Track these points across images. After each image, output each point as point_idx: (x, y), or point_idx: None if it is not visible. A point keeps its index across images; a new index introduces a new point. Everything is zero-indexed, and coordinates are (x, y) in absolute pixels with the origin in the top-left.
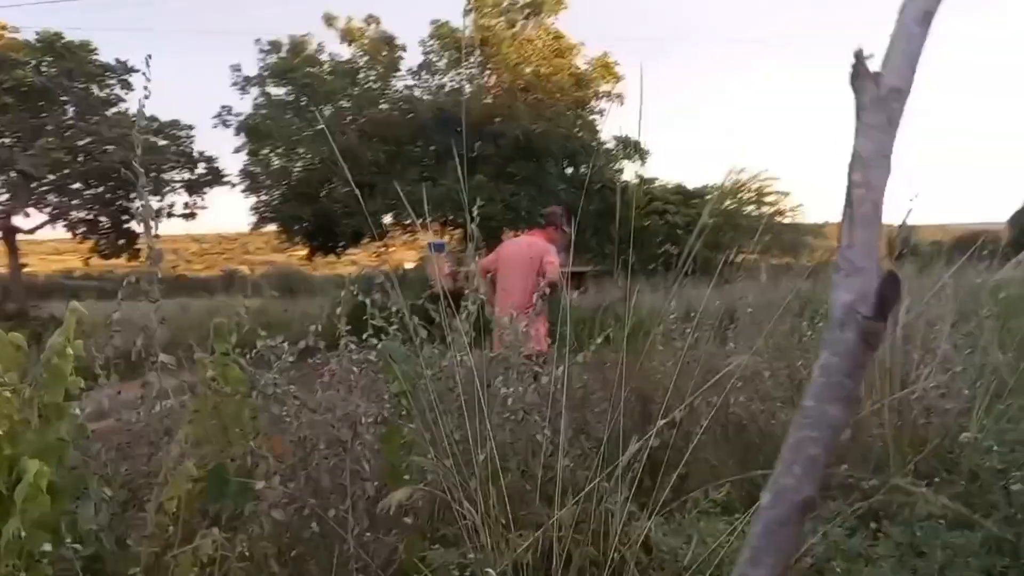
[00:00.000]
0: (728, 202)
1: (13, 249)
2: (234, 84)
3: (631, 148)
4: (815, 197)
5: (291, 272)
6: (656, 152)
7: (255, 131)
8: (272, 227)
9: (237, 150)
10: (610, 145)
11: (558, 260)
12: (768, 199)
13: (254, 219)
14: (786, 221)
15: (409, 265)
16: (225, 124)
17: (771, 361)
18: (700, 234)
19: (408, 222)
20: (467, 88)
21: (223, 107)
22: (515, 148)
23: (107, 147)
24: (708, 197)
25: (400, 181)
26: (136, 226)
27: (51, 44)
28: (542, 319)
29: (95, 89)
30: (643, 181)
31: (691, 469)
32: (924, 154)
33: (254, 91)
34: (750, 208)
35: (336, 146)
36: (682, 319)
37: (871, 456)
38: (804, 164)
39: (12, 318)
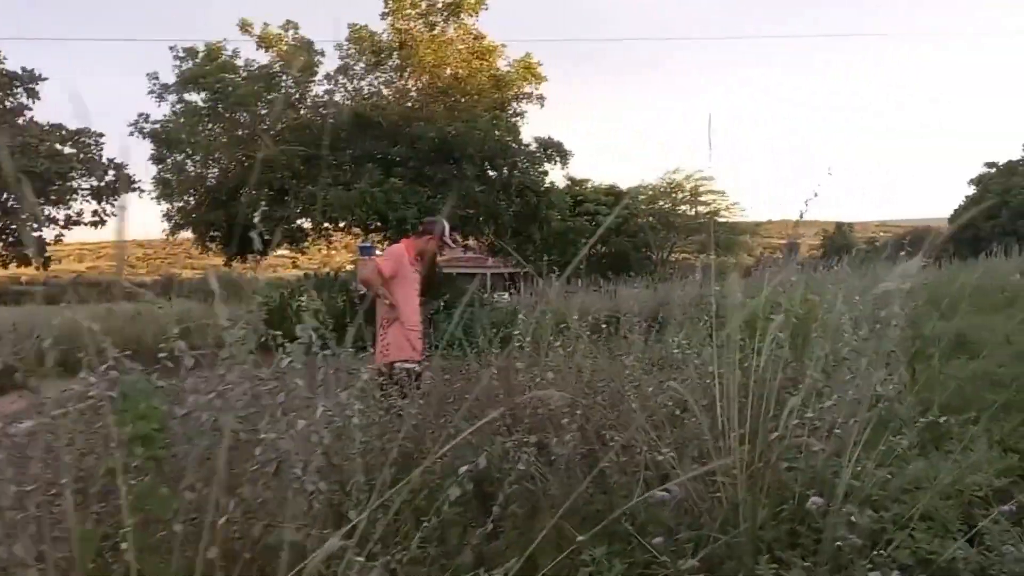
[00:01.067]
0: (661, 202)
1: None
2: (151, 92)
3: (552, 150)
4: (751, 196)
5: (236, 276)
6: (586, 154)
7: (161, 138)
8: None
9: (152, 157)
10: (532, 147)
11: (387, 262)
12: (703, 199)
13: (167, 226)
14: (722, 220)
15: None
16: (142, 132)
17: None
18: (632, 235)
19: (325, 226)
20: (384, 92)
21: (140, 115)
22: (432, 151)
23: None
24: (641, 198)
25: (315, 186)
26: (46, 233)
27: None
28: (397, 326)
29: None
30: (574, 183)
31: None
32: (877, 153)
33: (172, 98)
34: (684, 208)
35: (252, 152)
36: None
37: (717, 513)
38: (740, 164)
39: None
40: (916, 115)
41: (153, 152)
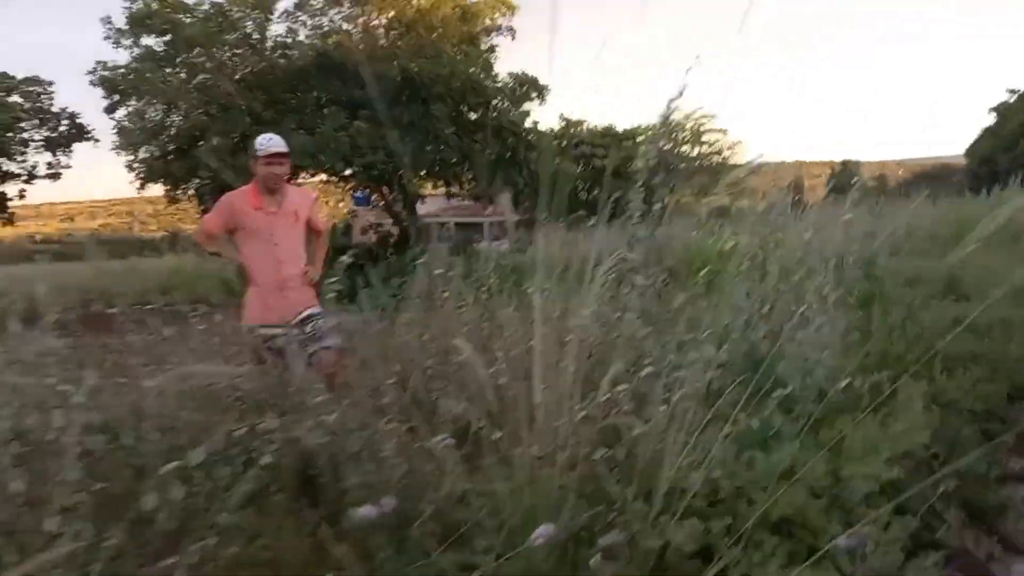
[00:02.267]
0: (662, 143)
1: None
2: (107, 38)
3: (528, 86)
4: (754, 134)
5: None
6: (576, 92)
7: (116, 86)
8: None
9: (109, 107)
10: (508, 84)
11: (211, 216)
12: (705, 138)
13: (135, 181)
14: (725, 160)
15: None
16: (101, 80)
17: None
18: (630, 178)
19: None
20: (346, 28)
21: (98, 62)
22: (399, 91)
23: None
24: (641, 139)
25: (275, 131)
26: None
27: None
28: (251, 287)
29: None
30: (569, 124)
31: None
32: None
33: (128, 43)
34: (685, 148)
35: (212, 98)
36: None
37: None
38: (743, 100)
39: None
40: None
41: (107, 100)
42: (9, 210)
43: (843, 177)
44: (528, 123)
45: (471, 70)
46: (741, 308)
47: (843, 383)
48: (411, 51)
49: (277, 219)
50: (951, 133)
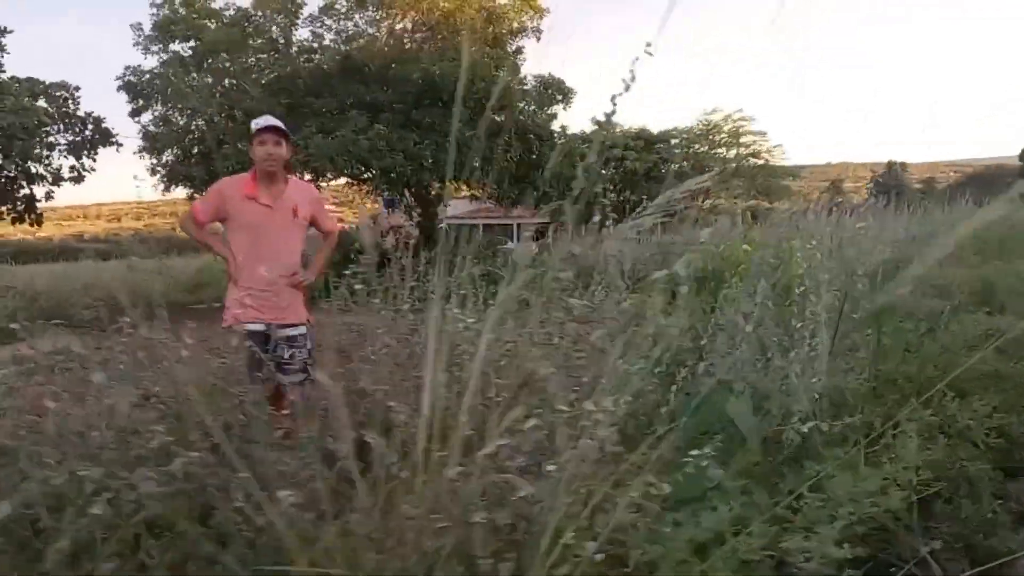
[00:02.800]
0: (697, 145)
1: None
2: (136, 44)
3: (553, 89)
4: (793, 138)
5: None
6: (604, 96)
7: (138, 90)
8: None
9: (133, 112)
10: (533, 87)
11: (201, 202)
12: (743, 140)
13: (158, 184)
14: (762, 163)
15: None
16: (126, 86)
17: None
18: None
19: (309, 178)
20: (370, 31)
21: (127, 67)
22: (420, 94)
23: None
24: (674, 141)
25: (297, 135)
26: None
27: None
28: (232, 284)
29: None
30: (601, 127)
31: None
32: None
33: (157, 49)
34: (721, 150)
35: (235, 102)
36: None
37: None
38: (780, 104)
39: None
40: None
41: (131, 105)
42: (38, 211)
43: (888, 179)
44: (556, 126)
45: (493, 72)
46: (722, 327)
47: (807, 425)
48: (433, 54)
49: (272, 213)
50: (1009, 133)
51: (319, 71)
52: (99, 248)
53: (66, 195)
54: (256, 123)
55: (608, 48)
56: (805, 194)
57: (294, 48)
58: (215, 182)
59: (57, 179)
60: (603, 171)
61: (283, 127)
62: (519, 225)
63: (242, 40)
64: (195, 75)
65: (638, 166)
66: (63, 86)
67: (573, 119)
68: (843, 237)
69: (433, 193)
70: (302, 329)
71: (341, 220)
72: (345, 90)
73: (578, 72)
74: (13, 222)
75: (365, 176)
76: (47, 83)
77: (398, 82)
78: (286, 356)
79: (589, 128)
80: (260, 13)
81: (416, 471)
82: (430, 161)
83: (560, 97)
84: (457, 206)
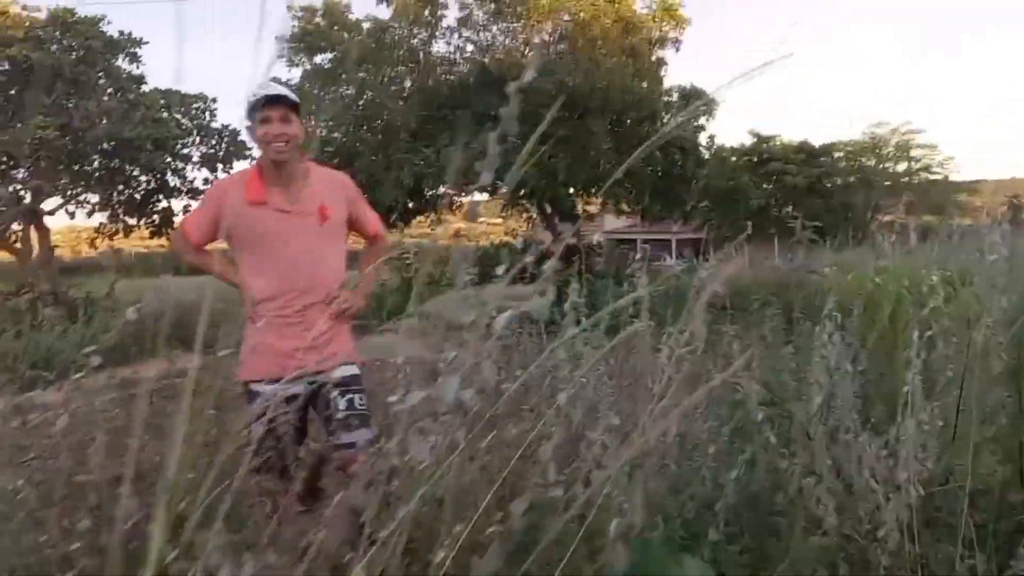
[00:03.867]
0: (865, 159)
1: (45, 230)
2: (280, 56)
3: (695, 99)
4: (967, 151)
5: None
6: (762, 108)
7: None
8: None
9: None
10: (675, 98)
11: (194, 213)
12: (913, 154)
13: None
14: (933, 178)
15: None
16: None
17: None
18: (826, 195)
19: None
20: (505, 42)
21: (272, 79)
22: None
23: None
24: (838, 155)
25: (430, 147)
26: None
27: (62, 20)
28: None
29: (119, 61)
30: (761, 139)
31: None
32: None
33: (300, 59)
34: (888, 164)
35: (373, 114)
36: None
37: None
38: (952, 116)
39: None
40: None
41: None
42: (175, 225)
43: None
44: (704, 138)
45: (631, 82)
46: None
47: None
48: (567, 64)
49: (293, 220)
50: None
51: (456, 83)
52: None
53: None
54: (254, 93)
55: (751, 57)
56: (985, 210)
57: (434, 60)
58: None
59: (194, 192)
60: (764, 185)
61: (292, 96)
62: (678, 240)
63: (379, 52)
64: (334, 87)
65: (799, 181)
66: (201, 98)
67: (716, 131)
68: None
69: (575, 208)
70: (354, 369)
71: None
72: (481, 102)
73: (718, 81)
74: (151, 235)
75: (502, 189)
76: (184, 95)
77: (532, 93)
78: (341, 405)
79: (736, 140)
80: (398, 25)
81: None
82: (563, 175)
83: (704, 108)
84: (608, 221)
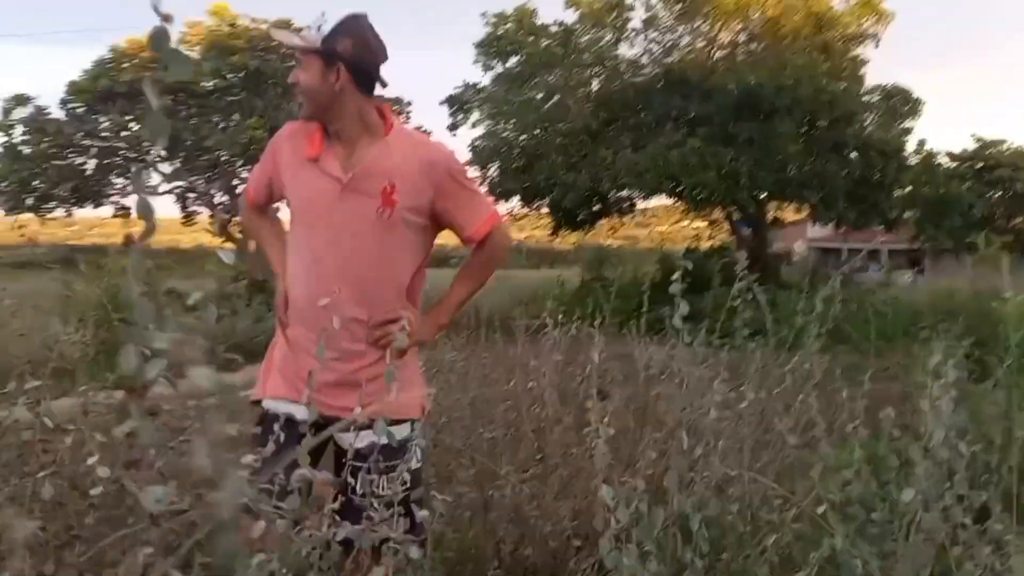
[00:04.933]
0: None
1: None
2: (475, 61)
3: (897, 99)
4: None
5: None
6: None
7: (460, 103)
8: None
9: (451, 126)
10: (875, 98)
11: (257, 166)
12: None
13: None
14: None
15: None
16: (449, 100)
17: None
18: None
19: (619, 195)
20: (689, 42)
21: (467, 84)
22: (739, 106)
23: None
24: None
25: (607, 150)
26: None
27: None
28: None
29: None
30: (984, 145)
31: None
32: None
33: (494, 64)
34: None
35: (557, 117)
36: None
37: None
38: None
39: None
40: None
41: (459, 117)
42: None
43: None
44: (912, 141)
45: (824, 82)
46: None
47: None
48: (752, 62)
49: (346, 197)
50: None
51: (640, 84)
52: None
53: None
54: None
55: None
56: None
57: (621, 63)
58: (532, 197)
59: None
60: (988, 194)
61: (298, 40)
62: (889, 251)
63: (565, 55)
64: (523, 91)
65: None
66: (396, 101)
67: (927, 134)
68: None
69: (762, 214)
70: (402, 429)
71: (697, 239)
72: (664, 103)
73: (927, 80)
74: None
75: (680, 192)
76: (382, 98)
77: (716, 94)
78: (356, 486)
79: (954, 145)
80: (584, 27)
81: None
82: (746, 179)
83: (907, 109)
84: (811, 229)
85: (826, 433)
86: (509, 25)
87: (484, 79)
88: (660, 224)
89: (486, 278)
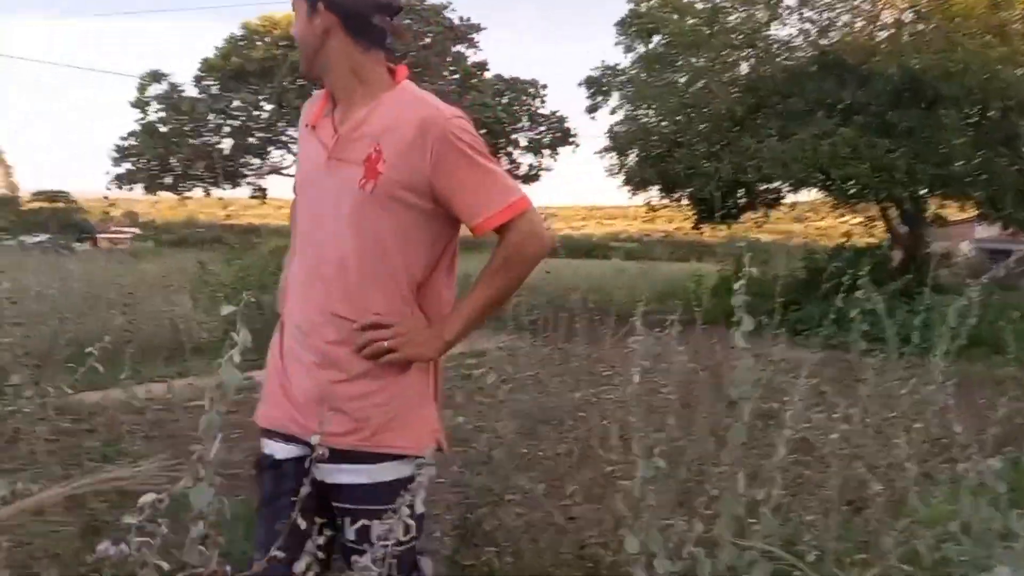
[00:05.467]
0: None
1: None
2: (618, 43)
3: None
4: None
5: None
6: None
7: (598, 85)
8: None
9: (590, 108)
10: None
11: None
12: None
13: (623, 185)
14: None
15: None
16: (587, 81)
17: None
18: None
19: (763, 187)
20: (848, 22)
21: (606, 67)
22: (899, 93)
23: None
24: None
25: (751, 138)
26: None
27: (409, 5)
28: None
29: (458, 47)
30: None
31: None
32: None
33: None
34: None
35: (700, 101)
36: None
37: None
38: None
39: None
40: None
41: (590, 100)
42: None
43: None
44: None
45: (998, 68)
46: None
47: None
48: (917, 45)
49: (330, 168)
50: None
51: (792, 68)
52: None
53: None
54: None
55: None
56: None
57: (773, 45)
58: (672, 187)
59: (528, 178)
60: None
61: None
62: None
63: (712, 35)
64: (666, 73)
65: None
66: (532, 84)
67: None
68: None
69: (922, 210)
70: (401, 468)
71: (848, 235)
72: (816, 88)
73: None
74: None
75: (829, 185)
76: (516, 81)
77: (875, 79)
78: (348, 533)
79: None
80: (734, 6)
81: None
82: (903, 173)
83: None
84: (975, 229)
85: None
86: (652, 2)
87: (625, 61)
88: (817, 219)
89: (510, 285)
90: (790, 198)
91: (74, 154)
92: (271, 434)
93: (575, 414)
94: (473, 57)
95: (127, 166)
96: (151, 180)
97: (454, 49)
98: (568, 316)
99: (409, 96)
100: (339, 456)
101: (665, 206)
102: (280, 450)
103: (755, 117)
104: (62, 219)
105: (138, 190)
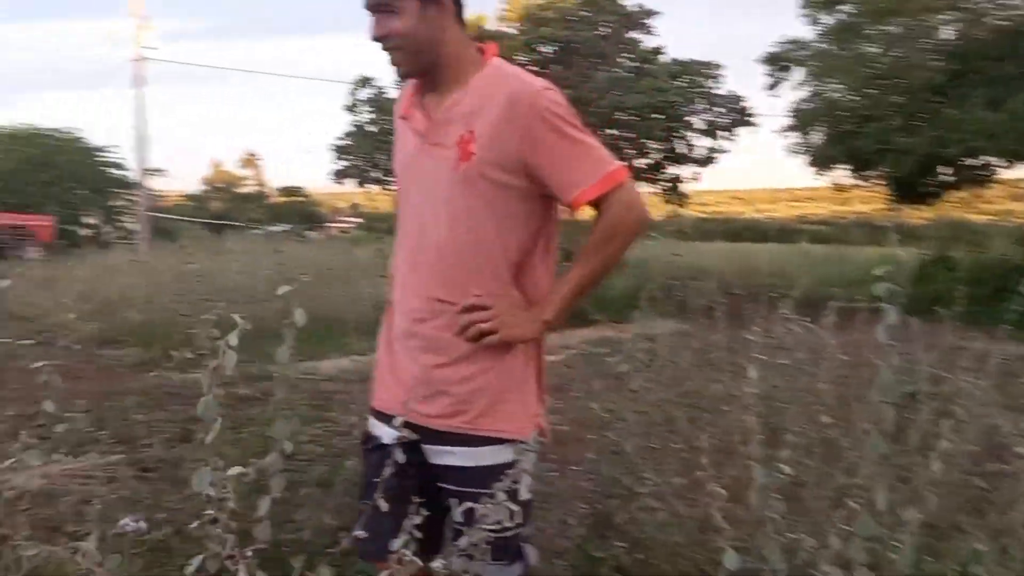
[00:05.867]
0: None
1: None
2: (802, 16)
3: None
4: None
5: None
6: None
7: (779, 61)
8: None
9: (771, 85)
10: None
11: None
12: None
13: (808, 165)
14: None
15: None
16: (769, 58)
17: None
18: None
19: (966, 161)
20: None
21: (790, 41)
22: None
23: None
24: None
25: (957, 108)
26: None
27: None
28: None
29: (633, 33)
30: None
31: None
32: None
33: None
34: None
35: (894, 72)
36: None
37: None
38: None
39: None
40: None
41: (771, 78)
42: (679, 191)
43: None
44: None
45: None
46: None
47: None
48: None
49: (426, 152)
50: None
51: (1006, 28)
52: (818, 232)
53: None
54: None
55: None
56: None
57: (980, 3)
58: (863, 165)
59: (707, 161)
60: None
61: None
62: None
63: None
64: (856, 44)
65: None
66: (710, 66)
67: None
68: None
69: None
70: (503, 452)
71: None
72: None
73: None
74: (666, 202)
75: None
76: (692, 63)
77: None
78: (456, 515)
79: None
80: None
81: None
82: None
83: None
84: None
85: None
86: None
87: (809, 34)
88: None
89: (608, 262)
90: (1005, 174)
91: (311, 154)
92: (380, 416)
93: (717, 406)
94: (648, 42)
95: (344, 163)
96: (362, 175)
97: (628, 35)
98: (734, 301)
99: (499, 73)
100: (443, 438)
101: (856, 185)
102: (387, 433)
103: (958, 85)
104: (300, 211)
105: (351, 184)
